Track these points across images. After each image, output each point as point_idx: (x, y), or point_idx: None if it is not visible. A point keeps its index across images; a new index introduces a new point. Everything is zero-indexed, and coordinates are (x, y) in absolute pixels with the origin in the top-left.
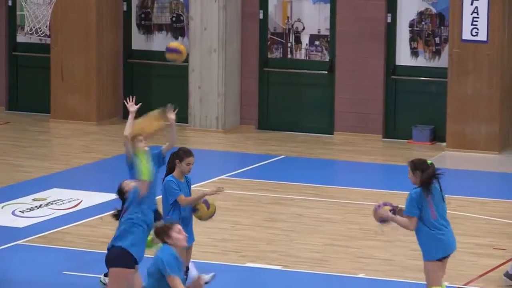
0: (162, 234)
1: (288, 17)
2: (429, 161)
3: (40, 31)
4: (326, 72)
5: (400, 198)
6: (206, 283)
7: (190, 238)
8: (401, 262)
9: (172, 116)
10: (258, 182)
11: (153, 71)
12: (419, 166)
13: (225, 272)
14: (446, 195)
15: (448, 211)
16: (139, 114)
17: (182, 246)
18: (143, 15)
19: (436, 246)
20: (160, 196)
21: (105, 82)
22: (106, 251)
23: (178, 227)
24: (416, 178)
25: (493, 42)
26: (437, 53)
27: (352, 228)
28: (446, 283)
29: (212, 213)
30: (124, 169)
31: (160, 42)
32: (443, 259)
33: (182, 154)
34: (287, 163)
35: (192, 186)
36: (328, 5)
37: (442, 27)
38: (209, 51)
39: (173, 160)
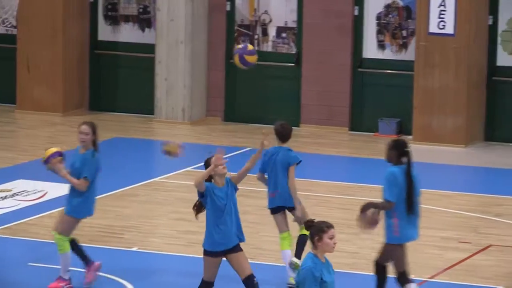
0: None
1: (255, 9)
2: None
3: (7, 22)
4: (293, 64)
5: (366, 190)
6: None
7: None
8: (366, 255)
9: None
10: None
11: (119, 62)
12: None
13: (191, 264)
14: None
15: None
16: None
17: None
18: (109, 6)
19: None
20: None
21: (71, 73)
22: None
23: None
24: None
25: (460, 36)
26: (404, 46)
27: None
28: (412, 276)
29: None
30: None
31: (126, 33)
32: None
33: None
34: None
35: (156, 178)
36: None
37: (409, 20)
38: (175, 43)
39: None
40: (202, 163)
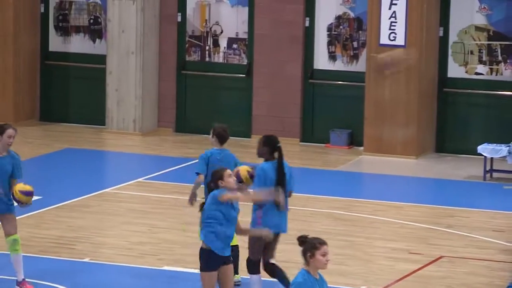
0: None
1: (206, 20)
2: None
3: None
4: (244, 75)
5: (318, 202)
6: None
7: None
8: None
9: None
10: (175, 185)
11: (70, 73)
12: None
13: (143, 275)
14: (363, 199)
15: (364, 216)
16: None
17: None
18: (60, 17)
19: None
20: None
21: (22, 83)
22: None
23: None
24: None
25: (411, 47)
26: (355, 57)
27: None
28: (363, 287)
29: None
30: (40, 171)
31: (77, 44)
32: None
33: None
34: None
35: (108, 189)
36: (246, 9)
37: (360, 31)
38: (126, 54)
39: None
40: (153, 174)
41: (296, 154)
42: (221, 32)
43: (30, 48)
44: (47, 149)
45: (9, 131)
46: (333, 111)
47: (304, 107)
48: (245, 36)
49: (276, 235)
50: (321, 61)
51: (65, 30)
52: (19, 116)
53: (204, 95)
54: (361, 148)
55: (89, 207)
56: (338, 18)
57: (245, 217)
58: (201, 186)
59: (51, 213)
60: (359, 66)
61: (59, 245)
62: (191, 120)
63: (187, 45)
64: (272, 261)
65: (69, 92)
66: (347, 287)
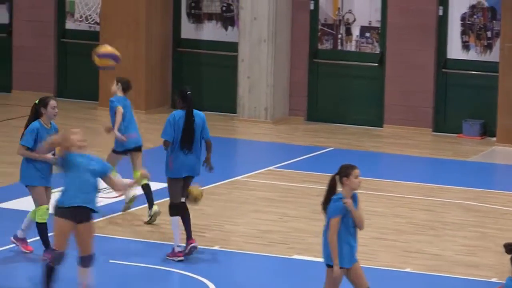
0: None
1: (339, 8)
2: None
3: (90, 18)
4: (376, 64)
5: (449, 192)
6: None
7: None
8: (449, 257)
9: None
10: (305, 173)
11: (202, 60)
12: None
13: (272, 263)
14: (495, 190)
15: (497, 207)
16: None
17: None
18: (193, 4)
19: None
20: None
21: (153, 71)
22: (150, 241)
23: None
24: None
25: None
26: (489, 47)
27: (399, 221)
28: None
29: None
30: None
31: (209, 31)
32: None
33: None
34: (336, 155)
35: (239, 177)
36: None
37: (494, 21)
38: (258, 41)
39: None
40: (284, 162)
41: (428, 144)
42: (354, 21)
43: (162, 36)
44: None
45: (52, 102)
46: (465, 101)
47: (436, 96)
48: (378, 24)
49: (190, 177)
50: (454, 50)
51: (197, 17)
52: (150, 103)
53: (335, 83)
54: (494, 138)
55: (219, 195)
56: (472, 7)
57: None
58: None
59: None
60: (493, 56)
61: None
62: (323, 109)
63: (319, 33)
64: (182, 199)
65: (201, 80)
66: (478, 279)
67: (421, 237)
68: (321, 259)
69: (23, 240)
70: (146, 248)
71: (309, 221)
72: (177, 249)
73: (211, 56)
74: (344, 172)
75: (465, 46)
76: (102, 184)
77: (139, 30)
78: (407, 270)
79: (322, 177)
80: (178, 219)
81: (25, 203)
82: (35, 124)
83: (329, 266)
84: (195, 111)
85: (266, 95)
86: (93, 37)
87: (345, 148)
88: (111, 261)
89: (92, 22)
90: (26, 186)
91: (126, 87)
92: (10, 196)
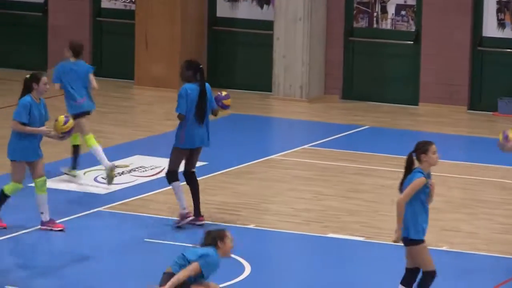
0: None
1: None
2: None
3: None
4: (411, 42)
5: (485, 170)
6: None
7: None
8: (485, 235)
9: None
10: (341, 152)
11: (237, 39)
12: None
13: (307, 242)
14: None
15: None
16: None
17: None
18: None
19: None
20: None
21: (189, 50)
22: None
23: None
24: None
25: None
26: None
27: (436, 200)
28: None
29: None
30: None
31: (245, 10)
32: None
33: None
34: (371, 133)
35: (274, 155)
36: None
37: None
38: (294, 20)
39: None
40: (319, 141)
41: (463, 122)
42: None
43: (197, 15)
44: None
45: (44, 79)
46: (501, 79)
47: (472, 74)
48: (413, 2)
49: (199, 148)
50: (490, 28)
51: None
52: None
53: (371, 62)
54: None
55: (254, 174)
56: None
57: None
58: None
59: (216, 179)
60: None
61: (224, 211)
62: (358, 87)
63: (354, 12)
64: (193, 170)
65: (236, 58)
66: None
67: (457, 215)
68: (356, 237)
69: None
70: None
71: (344, 199)
72: (183, 212)
73: (246, 35)
74: (422, 148)
75: (501, 24)
76: (137, 162)
77: (175, 8)
78: (444, 248)
79: (358, 155)
80: (178, 183)
81: (58, 182)
82: (27, 98)
83: (414, 242)
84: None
85: (301, 73)
86: (129, 15)
87: (381, 127)
88: (146, 239)
89: (128, 1)
90: (12, 160)
91: (76, 51)
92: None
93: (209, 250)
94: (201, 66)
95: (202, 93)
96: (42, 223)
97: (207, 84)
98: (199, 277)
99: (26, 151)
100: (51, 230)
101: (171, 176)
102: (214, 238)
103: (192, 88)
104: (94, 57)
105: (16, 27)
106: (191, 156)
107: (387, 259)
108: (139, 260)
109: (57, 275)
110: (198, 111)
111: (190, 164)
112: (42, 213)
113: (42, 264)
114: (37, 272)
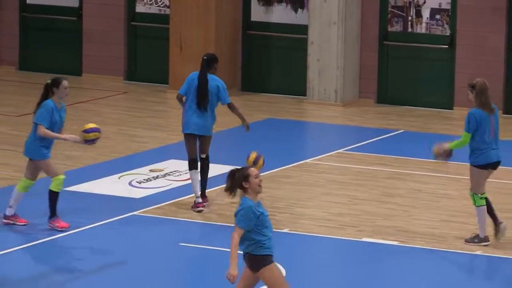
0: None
1: None
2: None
3: (160, 1)
4: (446, 46)
5: None
6: None
7: None
8: None
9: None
10: (375, 156)
11: (272, 43)
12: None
13: (342, 246)
14: None
15: None
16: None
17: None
18: None
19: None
20: None
21: (223, 54)
22: (221, 224)
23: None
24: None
25: None
26: None
27: (469, 204)
28: None
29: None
30: (240, 141)
31: (279, 14)
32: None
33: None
34: (406, 137)
35: (308, 159)
36: None
37: None
38: (328, 24)
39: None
40: (354, 145)
41: (500, 127)
42: (424, 3)
43: (232, 18)
44: (248, 119)
45: (65, 83)
46: None
47: (507, 78)
48: (448, 6)
49: (202, 136)
50: None
51: (267, 0)
52: None
53: (405, 66)
54: None
55: (289, 178)
56: None
57: None
58: None
59: None
60: None
61: None
62: (393, 91)
63: (389, 16)
64: (203, 156)
65: (270, 62)
66: None
67: (491, 220)
68: (390, 242)
69: (14, 216)
70: (215, 231)
71: (379, 203)
72: (197, 201)
73: (280, 39)
74: None
75: None
76: (172, 167)
77: (209, 13)
78: (477, 253)
79: (392, 159)
80: (193, 171)
81: (93, 186)
82: (50, 103)
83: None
84: (213, 76)
85: (336, 77)
86: (163, 20)
87: (415, 131)
88: (181, 244)
89: (162, 5)
90: (36, 160)
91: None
92: (77, 180)
93: (238, 207)
94: (204, 57)
95: (200, 79)
96: (5, 217)
97: (217, 78)
98: (248, 231)
99: (43, 151)
100: (14, 224)
101: (189, 164)
102: (237, 180)
103: (196, 75)
104: (128, 62)
105: (51, 31)
106: (199, 142)
107: (422, 263)
108: (174, 265)
109: (92, 279)
110: (200, 97)
111: (199, 150)
112: (10, 207)
113: (77, 268)
114: (73, 276)
